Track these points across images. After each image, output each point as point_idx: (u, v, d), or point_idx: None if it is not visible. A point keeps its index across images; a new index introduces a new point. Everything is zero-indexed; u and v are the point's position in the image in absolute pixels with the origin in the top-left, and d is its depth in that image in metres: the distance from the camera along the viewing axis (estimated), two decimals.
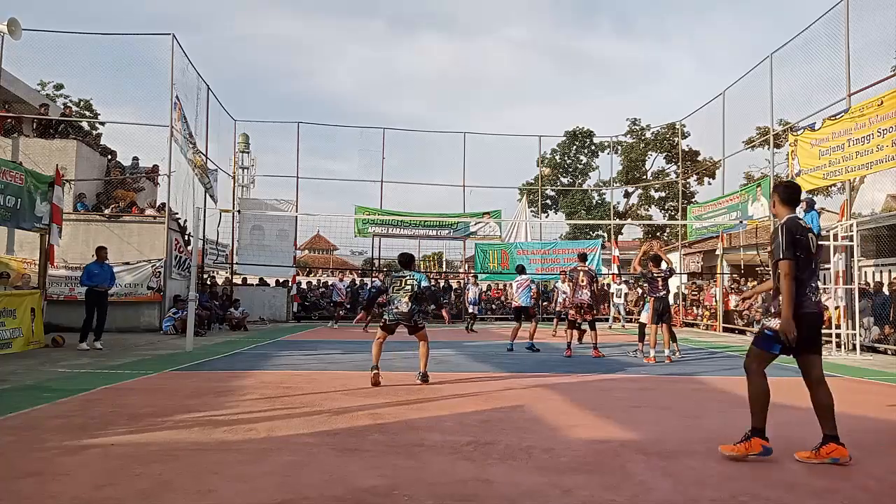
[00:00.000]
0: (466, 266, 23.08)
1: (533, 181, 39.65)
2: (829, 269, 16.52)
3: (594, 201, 42.90)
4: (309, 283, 34.08)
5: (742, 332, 23.22)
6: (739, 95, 24.16)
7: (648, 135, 42.48)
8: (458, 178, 31.79)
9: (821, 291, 5.74)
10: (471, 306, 24.86)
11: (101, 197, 22.65)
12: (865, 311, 16.78)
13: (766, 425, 5.87)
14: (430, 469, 5.53)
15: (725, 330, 24.27)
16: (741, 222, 24.60)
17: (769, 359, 5.98)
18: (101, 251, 16.19)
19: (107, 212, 21.59)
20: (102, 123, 29.26)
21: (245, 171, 36.00)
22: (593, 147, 44.39)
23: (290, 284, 29.53)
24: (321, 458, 5.82)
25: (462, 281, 32.55)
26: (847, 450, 5.77)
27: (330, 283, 30.46)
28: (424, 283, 10.39)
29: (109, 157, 23.90)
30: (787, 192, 6.11)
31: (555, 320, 22.12)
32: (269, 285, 29.57)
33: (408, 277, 10.30)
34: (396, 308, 10.19)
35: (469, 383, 10.46)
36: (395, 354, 14.59)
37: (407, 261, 10.68)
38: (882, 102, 15.73)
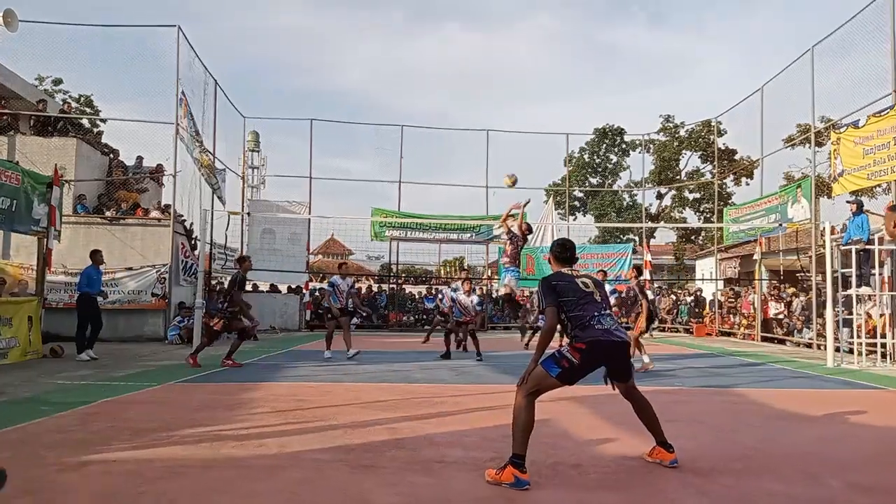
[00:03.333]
0: (490, 272, 22.84)
1: (560, 182, 39.67)
2: (874, 274, 16.38)
3: (625, 203, 42.29)
4: (322, 289, 34.02)
5: (782, 341, 23.08)
6: (779, 91, 23.95)
7: (682, 132, 41.91)
8: (480, 178, 31.66)
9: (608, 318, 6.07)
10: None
11: (102, 198, 22.52)
12: None
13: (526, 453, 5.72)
14: (452, 487, 5.54)
15: (765, 339, 24.08)
16: (781, 225, 24.41)
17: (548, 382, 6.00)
18: (98, 255, 16.15)
19: (109, 214, 21.61)
20: (104, 120, 29.21)
21: (255, 170, 35.90)
22: (624, 146, 43.76)
23: (302, 291, 29.36)
24: (335, 476, 5.82)
25: (484, 288, 32.39)
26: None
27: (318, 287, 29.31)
28: None
29: (111, 156, 23.86)
30: (558, 250, 6.54)
31: (529, 333, 21.07)
32: (280, 292, 29.79)
33: None
34: None
35: (492, 396, 10.37)
36: (414, 365, 14.78)
37: None
38: None
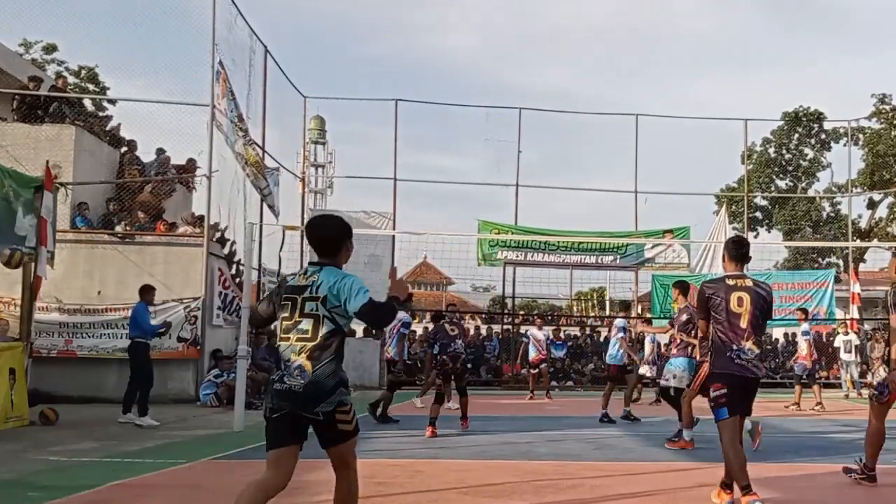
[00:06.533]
0: (640, 308, 21.91)
1: (736, 185, 40.65)
2: None
3: (825, 214, 43.24)
4: (412, 331, 33.57)
5: None
6: None
7: None
8: (625, 180, 31.70)
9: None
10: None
11: (111, 206, 22.44)
12: None
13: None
14: None
15: None
16: None
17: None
18: (150, 291, 16.57)
19: (120, 229, 21.48)
20: (113, 101, 30.43)
21: (319, 170, 36.53)
22: (823, 136, 44.34)
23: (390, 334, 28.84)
24: None
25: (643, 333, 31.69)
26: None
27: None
28: (360, 301, 5.53)
29: (124, 149, 23.92)
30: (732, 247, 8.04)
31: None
32: (353, 335, 29.19)
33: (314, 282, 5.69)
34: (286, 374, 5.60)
35: (644, 478, 10.50)
36: (537, 436, 15.03)
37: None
38: None
